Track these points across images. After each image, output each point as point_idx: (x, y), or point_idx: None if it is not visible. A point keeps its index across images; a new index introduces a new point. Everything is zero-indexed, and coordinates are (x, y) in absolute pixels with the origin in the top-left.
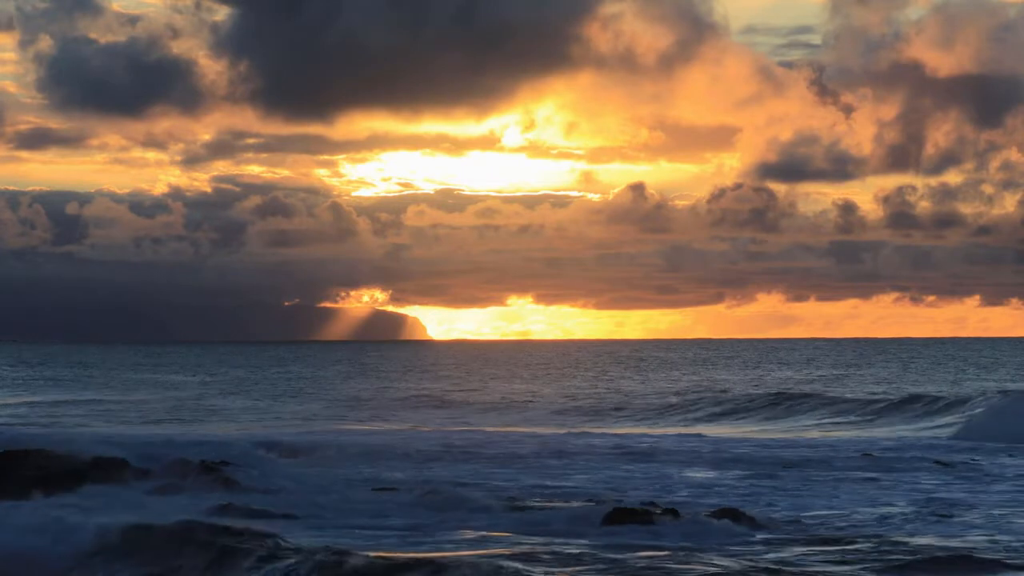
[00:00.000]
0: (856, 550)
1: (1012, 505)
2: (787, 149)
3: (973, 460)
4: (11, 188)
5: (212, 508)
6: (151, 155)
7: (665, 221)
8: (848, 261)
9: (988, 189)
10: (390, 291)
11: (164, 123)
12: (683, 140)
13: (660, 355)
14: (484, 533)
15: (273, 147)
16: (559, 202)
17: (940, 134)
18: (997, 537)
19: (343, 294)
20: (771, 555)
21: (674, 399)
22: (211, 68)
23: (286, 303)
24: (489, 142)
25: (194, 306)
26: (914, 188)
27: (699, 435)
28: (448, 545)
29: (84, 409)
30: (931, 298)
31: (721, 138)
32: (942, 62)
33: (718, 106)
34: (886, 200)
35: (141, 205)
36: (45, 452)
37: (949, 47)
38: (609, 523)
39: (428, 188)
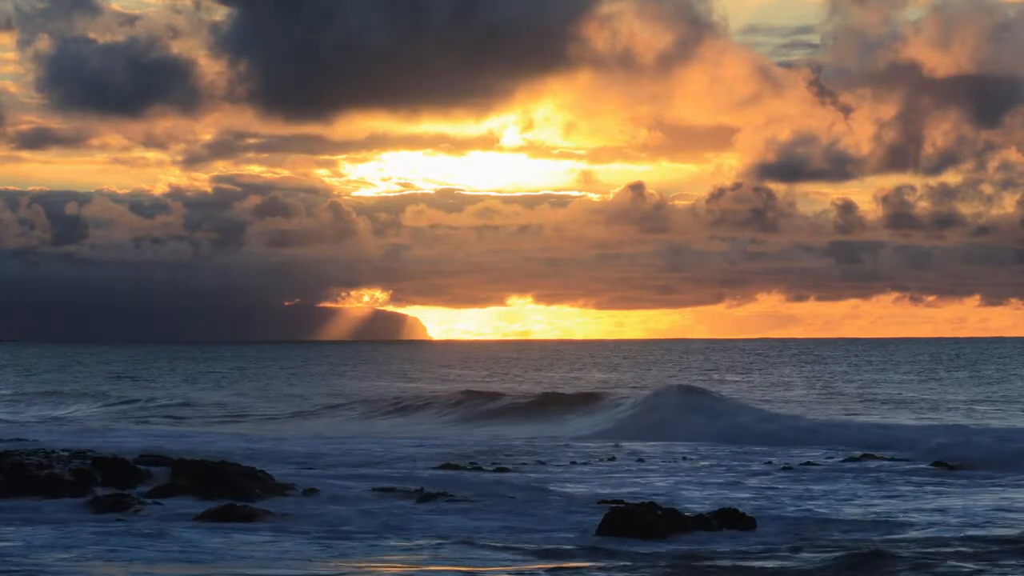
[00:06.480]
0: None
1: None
2: (786, 149)
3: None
4: (11, 188)
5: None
6: (151, 155)
7: (665, 221)
8: (848, 261)
9: (987, 189)
10: (390, 291)
11: (164, 123)
12: (682, 140)
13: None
14: None
15: (273, 147)
16: (559, 202)
17: (939, 134)
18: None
19: (343, 294)
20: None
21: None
22: (211, 68)
23: (286, 303)
24: (488, 142)
25: (194, 306)
26: (913, 188)
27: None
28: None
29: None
30: (931, 298)
31: (720, 138)
32: (941, 62)
33: (717, 106)
34: (885, 200)
35: (141, 205)
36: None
37: (948, 47)
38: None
39: (428, 188)
